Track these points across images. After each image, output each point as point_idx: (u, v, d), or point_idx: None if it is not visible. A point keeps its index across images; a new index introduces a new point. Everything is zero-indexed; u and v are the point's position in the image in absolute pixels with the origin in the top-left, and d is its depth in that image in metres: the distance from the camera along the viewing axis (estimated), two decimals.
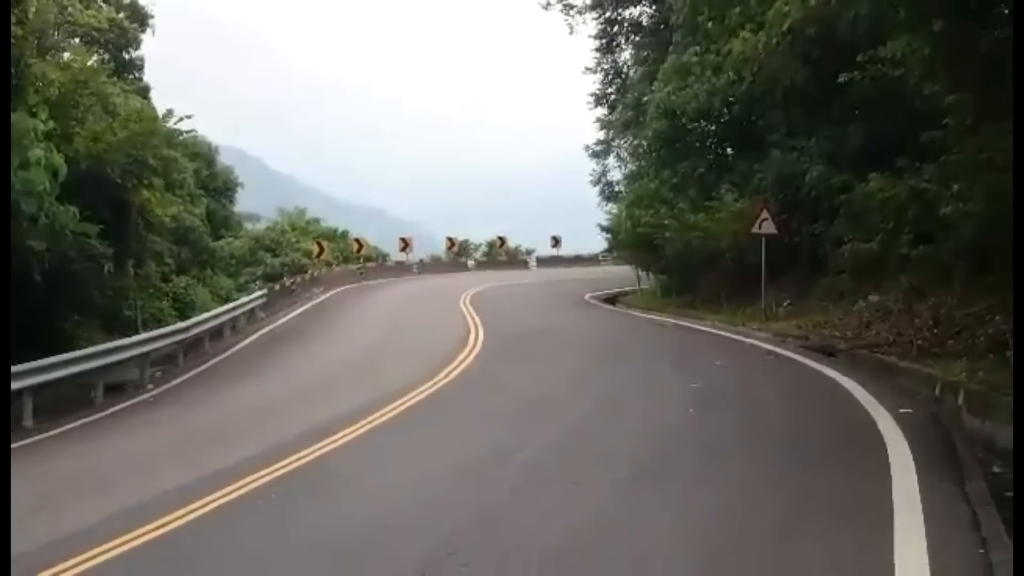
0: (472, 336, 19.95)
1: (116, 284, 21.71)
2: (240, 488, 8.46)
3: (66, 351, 15.74)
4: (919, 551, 5.61)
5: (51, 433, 13.24)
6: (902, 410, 9.85)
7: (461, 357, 16.78)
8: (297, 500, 8.18)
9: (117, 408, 15.26)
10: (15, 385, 13.53)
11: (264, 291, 29.30)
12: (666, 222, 24.88)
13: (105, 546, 7.00)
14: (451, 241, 50.94)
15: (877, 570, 5.43)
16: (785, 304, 20.29)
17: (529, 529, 6.75)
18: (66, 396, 15.72)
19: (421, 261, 45.19)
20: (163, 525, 7.46)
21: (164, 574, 6.66)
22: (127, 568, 6.69)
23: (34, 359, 14.27)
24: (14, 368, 13.55)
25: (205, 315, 22.82)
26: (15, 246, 14.01)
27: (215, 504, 8.01)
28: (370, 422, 11.23)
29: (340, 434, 10.55)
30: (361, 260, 41.78)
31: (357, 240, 43.34)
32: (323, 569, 6.33)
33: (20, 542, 7.24)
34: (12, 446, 12.41)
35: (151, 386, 17.30)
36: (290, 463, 9.34)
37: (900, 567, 5.42)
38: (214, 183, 38.88)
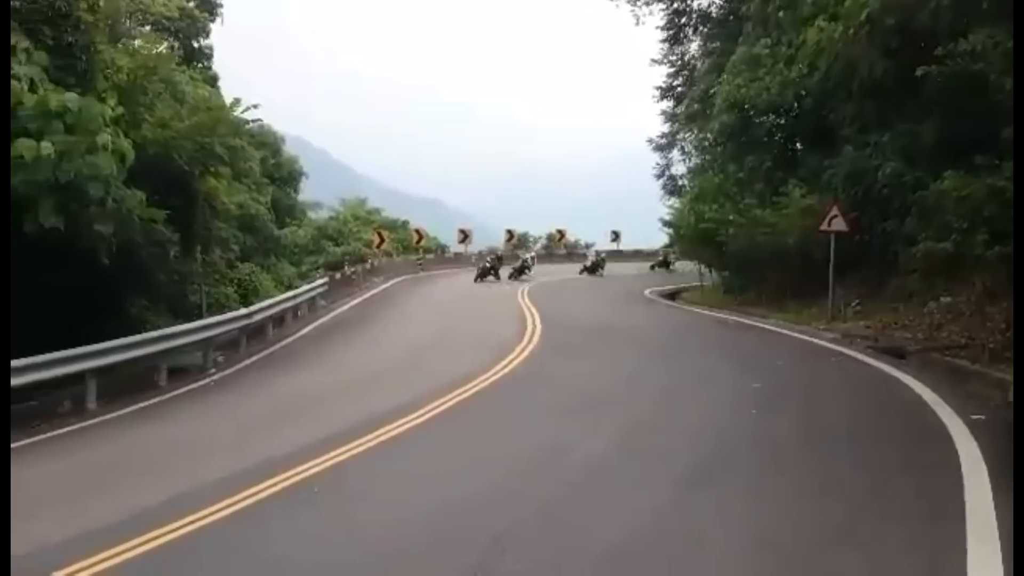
0: (529, 330, 19.82)
1: (182, 269, 22.12)
2: (292, 477, 8.46)
3: (133, 334, 16.05)
4: (992, 564, 5.30)
5: (112, 415, 13.46)
6: (974, 416, 9.42)
7: (518, 351, 16.65)
8: (347, 493, 8.13)
9: (180, 392, 15.49)
10: (78, 367, 13.80)
11: (325, 279, 29.58)
12: (731, 217, 24.44)
13: (159, 531, 7.03)
14: (510, 233, 50.91)
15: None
16: (853, 304, 19.70)
17: (583, 528, 6.58)
18: (131, 379, 16.02)
19: (480, 253, 45.26)
20: (217, 512, 7.49)
21: (213, 561, 6.65)
22: (178, 555, 6.71)
23: (100, 342, 14.57)
24: (77, 350, 13.84)
25: (268, 302, 23.08)
26: (82, 229, 14.27)
27: (265, 493, 8.00)
28: (424, 414, 11.16)
29: (394, 424, 10.51)
30: (420, 251, 41.98)
31: (417, 231, 43.58)
32: (370, 565, 6.24)
33: (71, 526, 7.37)
34: (75, 427, 12.75)
35: (213, 371, 17.54)
36: (344, 452, 9.33)
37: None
38: (279, 172, 39.42)
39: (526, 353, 16.53)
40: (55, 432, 12.41)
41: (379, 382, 14.08)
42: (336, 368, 17.01)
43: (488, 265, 36.43)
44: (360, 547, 6.54)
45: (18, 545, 6.26)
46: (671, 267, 42.42)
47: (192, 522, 7.23)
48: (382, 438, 9.93)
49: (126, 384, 15.67)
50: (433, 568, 6.03)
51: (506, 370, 14.56)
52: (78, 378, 14.12)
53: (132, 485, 8.93)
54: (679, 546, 6.17)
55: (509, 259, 39.42)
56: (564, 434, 9.91)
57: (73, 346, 13.92)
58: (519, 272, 37.12)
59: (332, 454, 9.24)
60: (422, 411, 11.25)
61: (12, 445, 11.37)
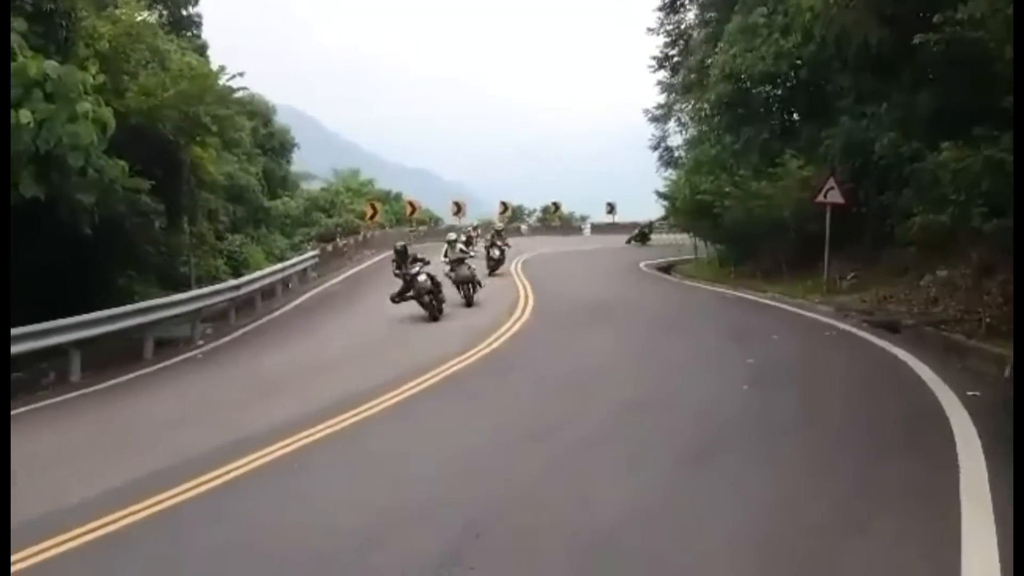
0: (522, 303, 19.61)
1: (169, 241, 21.90)
2: (273, 452, 8.29)
3: (121, 306, 15.83)
4: (988, 549, 5.13)
5: (97, 388, 13.30)
6: (970, 393, 9.24)
7: (508, 325, 16.44)
8: (325, 470, 7.93)
9: (166, 364, 15.34)
10: (61, 339, 13.59)
11: (317, 252, 29.35)
12: (726, 189, 24.16)
13: (135, 507, 6.89)
14: (504, 205, 50.59)
15: (941, 570, 4.96)
16: (849, 277, 19.51)
17: (562, 511, 6.39)
18: (117, 351, 15.82)
19: (474, 226, 44.96)
20: (198, 486, 7.37)
21: (190, 535, 6.47)
22: (155, 529, 6.54)
23: (86, 313, 14.36)
24: (60, 322, 13.63)
25: (257, 274, 22.89)
26: (64, 200, 14.01)
27: (244, 469, 7.84)
28: (412, 388, 11.00)
29: (380, 399, 10.34)
30: (414, 223, 41.65)
31: (411, 203, 43.26)
32: (344, 548, 6.00)
33: (50, 500, 7.22)
34: (57, 399, 12.56)
35: (201, 343, 17.37)
36: (326, 428, 9.17)
37: (967, 568, 4.94)
38: (271, 142, 38.99)
39: (517, 327, 16.31)
40: (37, 404, 12.21)
41: (367, 356, 13.89)
42: (324, 342, 16.83)
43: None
44: (325, 532, 6.30)
45: None
46: (648, 241, 42.34)
47: (174, 496, 7.13)
48: (363, 415, 9.72)
49: (112, 356, 15.48)
50: (402, 553, 5.79)
51: (495, 346, 14.33)
52: (63, 350, 13.92)
53: (113, 458, 8.78)
54: (668, 530, 5.98)
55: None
56: (550, 412, 9.72)
57: (59, 318, 13.72)
58: (496, 265, 26.79)
59: (315, 429, 9.08)
60: (408, 386, 11.06)
61: None
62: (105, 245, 16.96)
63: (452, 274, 19.39)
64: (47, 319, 13.45)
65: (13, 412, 11.65)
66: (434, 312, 17.17)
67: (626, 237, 44.41)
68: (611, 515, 6.25)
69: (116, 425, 10.86)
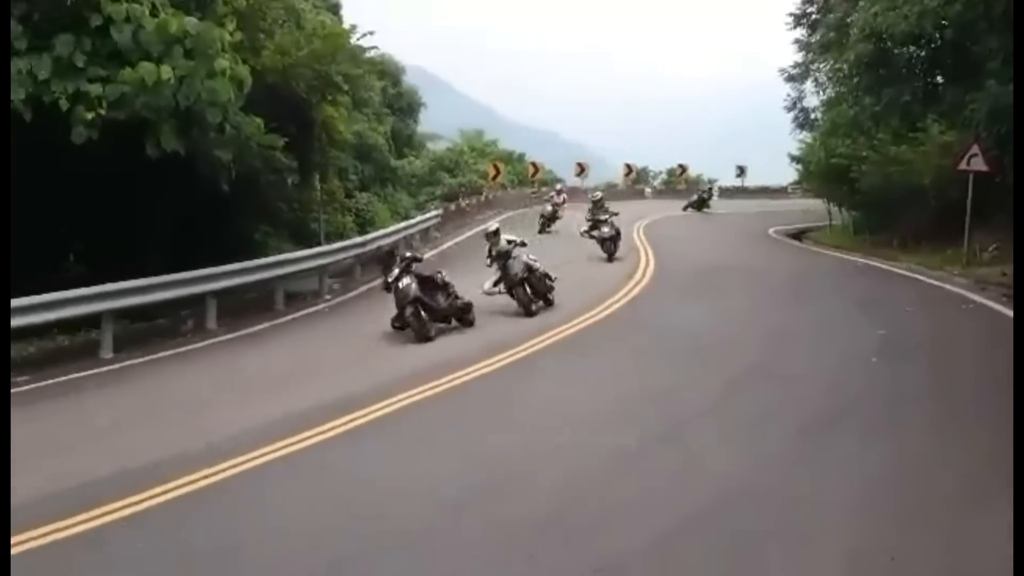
0: (641, 268, 19.37)
1: (301, 197, 22.65)
2: (389, 406, 8.59)
3: (255, 259, 16.58)
4: None
5: (231, 336, 13.94)
6: None
7: (626, 290, 16.31)
8: (424, 428, 8.16)
9: (295, 316, 15.90)
10: (199, 289, 14.30)
11: (439, 211, 29.74)
12: (864, 153, 23.25)
13: (284, 442, 7.44)
14: (629, 167, 49.85)
15: None
16: (991, 249, 18.40)
17: (676, 477, 6.35)
18: (251, 302, 16.58)
19: (597, 188, 44.53)
20: (322, 433, 7.75)
21: (325, 472, 6.79)
22: (301, 465, 6.96)
23: (223, 265, 15.08)
24: (199, 272, 14.33)
25: (382, 231, 23.40)
26: (202, 155, 14.63)
27: (363, 420, 8.16)
28: (522, 351, 11.16)
29: (488, 361, 10.54)
30: (536, 184, 41.63)
31: (533, 164, 43.18)
32: (426, 514, 6.10)
33: (188, 439, 7.71)
34: (196, 346, 13.28)
35: (328, 296, 17.92)
36: (448, 382, 9.47)
37: None
38: (399, 102, 39.60)
39: (635, 293, 16.18)
40: (178, 350, 12.95)
41: (480, 317, 14.00)
42: None
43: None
44: (408, 498, 6.41)
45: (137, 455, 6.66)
46: (707, 207, 39.50)
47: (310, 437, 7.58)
48: (484, 371, 9.98)
49: (246, 307, 16.23)
50: (487, 526, 5.85)
51: (610, 311, 14.27)
52: (202, 299, 14.67)
53: (254, 399, 9.37)
54: (778, 508, 5.84)
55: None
56: (664, 380, 9.71)
57: (198, 269, 14.45)
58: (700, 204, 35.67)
59: (439, 382, 9.46)
60: (517, 349, 11.23)
61: (141, 360, 12.07)
62: (241, 200, 17.64)
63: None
64: (187, 270, 14.18)
65: (157, 355, 12.47)
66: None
67: (755, 201, 43.01)
68: (719, 489, 6.18)
69: (249, 371, 11.46)
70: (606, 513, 5.81)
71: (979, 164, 18.02)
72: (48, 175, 13.97)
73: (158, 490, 6.45)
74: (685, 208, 38.62)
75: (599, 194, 23.41)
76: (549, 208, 27.56)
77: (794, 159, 33.42)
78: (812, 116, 36.63)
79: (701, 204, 39.18)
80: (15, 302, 11.24)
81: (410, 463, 7.04)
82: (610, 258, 20.47)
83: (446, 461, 7.04)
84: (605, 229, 20.93)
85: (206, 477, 6.73)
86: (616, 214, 21.46)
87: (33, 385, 10.71)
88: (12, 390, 10.22)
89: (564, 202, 28.81)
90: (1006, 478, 5.97)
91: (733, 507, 5.84)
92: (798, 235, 30.62)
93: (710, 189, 41.89)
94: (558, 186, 34.46)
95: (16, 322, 11.13)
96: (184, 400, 9.73)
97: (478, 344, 11.54)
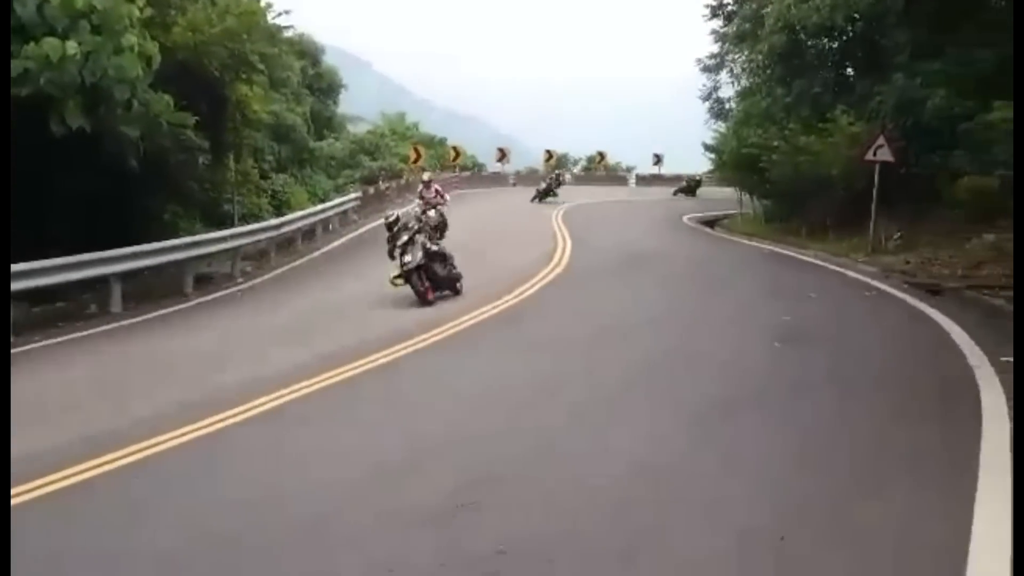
0: (559, 253, 19.56)
1: (214, 178, 22.11)
2: (295, 391, 8.43)
3: (164, 240, 16.11)
4: (1000, 519, 4.95)
5: (135, 320, 13.56)
6: (1004, 359, 9.03)
7: (543, 274, 16.43)
8: (333, 417, 8.00)
9: (205, 300, 15.58)
10: (103, 270, 13.86)
11: (358, 194, 29.45)
12: (775, 143, 23.77)
13: (171, 434, 7.11)
14: (549, 153, 50.13)
15: (951, 539, 4.85)
16: (895, 237, 19.12)
17: (576, 463, 6.41)
18: (158, 285, 16.13)
19: (517, 172, 44.67)
20: (219, 421, 7.51)
21: (210, 467, 6.64)
22: (178, 461, 6.72)
23: (129, 246, 14.63)
24: (104, 253, 13.89)
25: (297, 214, 23.09)
26: (109, 132, 14.18)
27: (264, 408, 7.97)
28: (434, 335, 11.08)
29: (401, 345, 10.44)
30: (457, 168, 41.52)
31: (454, 148, 43.07)
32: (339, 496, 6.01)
33: (73, 429, 7.42)
34: (98, 330, 12.86)
35: (240, 280, 17.61)
36: (348, 370, 9.30)
37: (977, 537, 4.83)
38: (319, 83, 38.95)
39: (550, 278, 16.31)
40: (77, 334, 12.52)
41: (397, 301, 13.92)
42: (358, 283, 16.87)
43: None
44: (323, 485, 6.20)
45: (18, 447, 6.31)
46: (695, 193, 41.27)
47: (204, 427, 7.33)
48: (382, 360, 9.80)
49: (153, 290, 15.79)
50: (416, 502, 5.76)
51: (525, 296, 14.32)
52: (105, 282, 14.21)
53: (146, 390, 8.98)
54: (678, 488, 5.96)
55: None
56: (574, 365, 9.75)
57: (104, 249, 13.99)
58: (544, 194, 35.29)
59: (337, 371, 9.21)
60: (432, 332, 11.16)
61: (35, 345, 11.61)
62: (150, 179, 17.16)
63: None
64: (91, 250, 13.71)
65: (56, 340, 12.02)
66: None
67: (672, 189, 43.84)
68: (623, 468, 6.26)
69: (154, 357, 11.08)
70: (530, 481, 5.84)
71: (885, 155, 18.63)
72: None
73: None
74: (675, 193, 41.02)
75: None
76: (417, 210, 17.11)
77: (708, 148, 34.08)
78: (727, 106, 37.39)
79: (546, 194, 36.42)
80: None
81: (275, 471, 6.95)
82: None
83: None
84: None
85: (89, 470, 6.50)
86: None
87: None
88: None
89: (440, 200, 19.52)
90: (894, 462, 6.29)
91: (634, 482, 5.94)
92: (711, 223, 31.20)
93: (557, 176, 39.36)
94: (425, 175, 22.52)
95: None
96: (79, 387, 9.38)
97: (374, 335, 11.41)
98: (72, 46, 12.92)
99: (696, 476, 6.12)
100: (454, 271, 14.06)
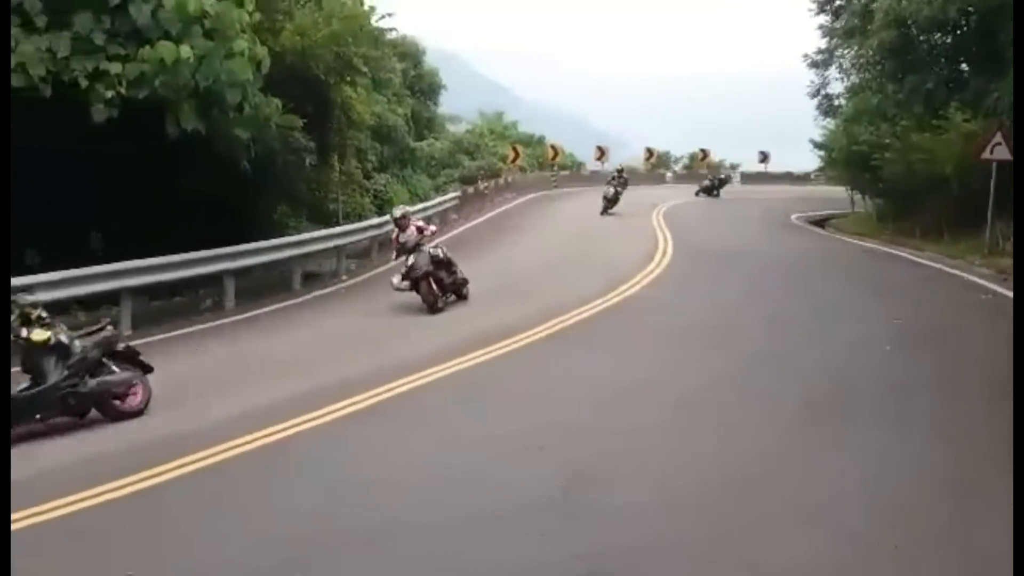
0: (660, 252, 19.34)
1: (319, 178, 22.68)
2: (396, 388, 8.67)
3: (274, 239, 16.70)
4: None
5: (248, 315, 14.08)
6: None
7: (643, 274, 16.31)
8: (449, 405, 8.20)
9: (311, 296, 16.02)
10: (218, 267, 14.42)
11: (458, 193, 29.75)
12: (886, 141, 22.96)
13: (297, 420, 7.58)
14: (649, 152, 49.58)
15: None
16: (1012, 239, 18.17)
17: (666, 464, 6.36)
18: (268, 281, 16.72)
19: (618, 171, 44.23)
20: (331, 412, 7.84)
21: (325, 455, 6.85)
22: (296, 449, 6.96)
23: (242, 244, 15.19)
24: (219, 251, 14.46)
25: None
26: (222, 134, 14.71)
27: (376, 399, 8.24)
28: (534, 334, 11.23)
29: (501, 344, 10.63)
30: (555, 168, 41.48)
31: (553, 147, 42.97)
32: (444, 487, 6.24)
33: (207, 415, 7.82)
34: (213, 324, 13.40)
35: (345, 277, 18.03)
36: (455, 365, 9.56)
37: None
38: (420, 84, 39.47)
39: (652, 277, 16.19)
40: (194, 328, 13.09)
41: (498, 299, 14.03)
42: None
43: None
44: (423, 474, 6.56)
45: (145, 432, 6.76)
46: (717, 193, 37.89)
47: (320, 416, 7.73)
48: (483, 358, 10.03)
49: (265, 286, 16.36)
50: (504, 498, 5.94)
51: (625, 295, 14.29)
52: (220, 278, 14.79)
53: (264, 381, 9.43)
54: (776, 491, 5.85)
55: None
56: (674, 363, 9.77)
57: (217, 247, 14.57)
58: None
59: (445, 365, 9.53)
60: (529, 332, 11.28)
61: (158, 337, 12.19)
62: (260, 180, 17.70)
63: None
64: (205, 248, 14.30)
65: (175, 332, 12.62)
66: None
67: (778, 186, 42.61)
68: (717, 472, 6.18)
69: (267, 350, 11.60)
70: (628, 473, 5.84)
71: (1003, 153, 17.77)
72: (70, 154, 14.08)
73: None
74: (697, 193, 37.65)
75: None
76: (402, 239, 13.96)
77: (817, 146, 33.10)
78: (836, 103, 36.28)
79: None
80: (37, 278, 11.42)
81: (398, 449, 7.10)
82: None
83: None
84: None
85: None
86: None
87: None
88: None
89: (424, 235, 14.01)
90: (1003, 472, 6.00)
91: (722, 489, 5.85)
92: (821, 222, 30.37)
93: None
94: (397, 211, 14.72)
95: (37, 298, 11.25)
96: (199, 379, 9.84)
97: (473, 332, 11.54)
98: (186, 50, 13.38)
99: (791, 484, 5.98)
100: (459, 277, 13.94)
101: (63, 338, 7.91)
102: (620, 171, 30.97)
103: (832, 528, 5.20)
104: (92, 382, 7.90)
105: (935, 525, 5.26)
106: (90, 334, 8.30)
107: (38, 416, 7.56)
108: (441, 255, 13.66)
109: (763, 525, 5.31)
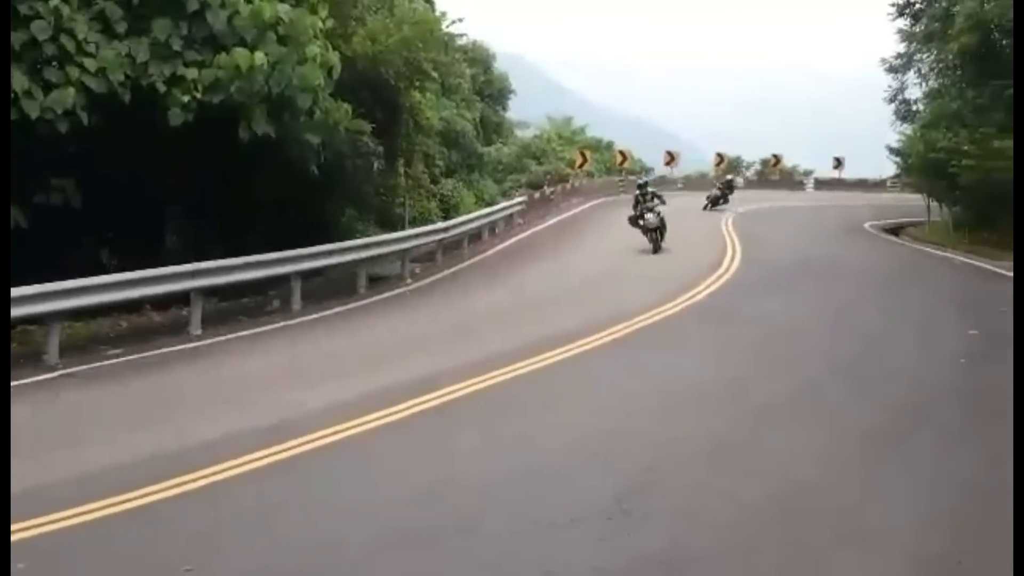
0: (728, 259, 19.08)
1: (387, 182, 22.98)
2: (465, 388, 8.73)
3: (341, 242, 16.95)
4: None
5: (314, 316, 14.28)
6: None
7: (709, 281, 16.10)
8: (512, 408, 8.21)
9: (376, 298, 16.18)
10: (286, 269, 14.68)
11: (524, 198, 29.78)
12: (965, 148, 22.26)
13: (357, 420, 7.70)
14: (720, 157, 48.85)
15: None
16: None
17: (739, 477, 6.25)
18: (334, 283, 16.96)
19: (687, 177, 43.81)
20: (400, 411, 8.02)
21: (394, 453, 6.93)
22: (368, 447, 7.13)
23: (309, 247, 15.44)
24: (287, 253, 14.71)
25: (464, 217, 23.57)
26: (292, 139, 14.98)
27: (438, 401, 8.33)
28: (597, 339, 11.21)
29: (567, 347, 10.59)
30: (623, 172, 41.25)
31: (621, 152, 42.68)
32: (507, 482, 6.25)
33: (284, 409, 8.14)
34: (279, 325, 13.63)
35: (409, 280, 18.16)
36: (516, 369, 9.57)
37: None
38: (489, 89, 39.71)
39: (719, 283, 16.00)
40: (261, 328, 13.32)
41: (562, 304, 14.01)
42: (522, 287, 17.15)
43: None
44: (485, 477, 6.57)
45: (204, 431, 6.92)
46: (726, 201, 32.69)
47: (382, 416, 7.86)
48: (544, 363, 10.01)
49: (331, 288, 16.59)
50: (579, 497, 5.91)
51: (691, 302, 14.16)
52: (283, 280, 15.05)
53: (334, 378, 9.66)
54: (847, 506, 5.69)
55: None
56: (740, 376, 9.57)
57: (286, 249, 14.84)
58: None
59: (507, 368, 9.58)
60: (593, 337, 11.26)
61: (227, 336, 12.45)
62: (329, 184, 17.99)
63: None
64: (275, 250, 14.57)
65: (241, 333, 12.86)
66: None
67: (852, 193, 41.53)
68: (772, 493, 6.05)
69: (332, 350, 11.81)
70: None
71: None
72: (146, 157, 14.49)
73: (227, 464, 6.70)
74: (705, 207, 32.33)
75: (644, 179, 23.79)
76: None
77: (893, 152, 32.27)
78: (914, 108, 35.33)
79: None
80: (111, 277, 11.78)
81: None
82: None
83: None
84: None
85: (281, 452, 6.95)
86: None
87: (124, 359, 11.13)
88: (104, 363, 10.80)
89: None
90: None
91: (791, 499, 5.72)
92: (895, 230, 29.58)
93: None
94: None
95: (110, 297, 11.67)
96: (266, 377, 10.03)
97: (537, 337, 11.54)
98: (260, 56, 13.66)
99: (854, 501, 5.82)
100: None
101: None
102: (729, 180, 34.60)
103: (906, 550, 5.03)
104: None
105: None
106: None
107: None
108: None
109: (827, 542, 5.18)
